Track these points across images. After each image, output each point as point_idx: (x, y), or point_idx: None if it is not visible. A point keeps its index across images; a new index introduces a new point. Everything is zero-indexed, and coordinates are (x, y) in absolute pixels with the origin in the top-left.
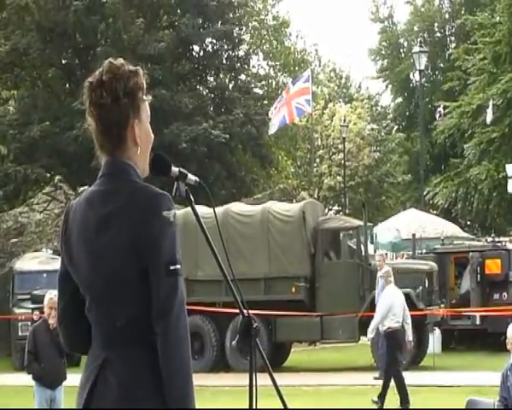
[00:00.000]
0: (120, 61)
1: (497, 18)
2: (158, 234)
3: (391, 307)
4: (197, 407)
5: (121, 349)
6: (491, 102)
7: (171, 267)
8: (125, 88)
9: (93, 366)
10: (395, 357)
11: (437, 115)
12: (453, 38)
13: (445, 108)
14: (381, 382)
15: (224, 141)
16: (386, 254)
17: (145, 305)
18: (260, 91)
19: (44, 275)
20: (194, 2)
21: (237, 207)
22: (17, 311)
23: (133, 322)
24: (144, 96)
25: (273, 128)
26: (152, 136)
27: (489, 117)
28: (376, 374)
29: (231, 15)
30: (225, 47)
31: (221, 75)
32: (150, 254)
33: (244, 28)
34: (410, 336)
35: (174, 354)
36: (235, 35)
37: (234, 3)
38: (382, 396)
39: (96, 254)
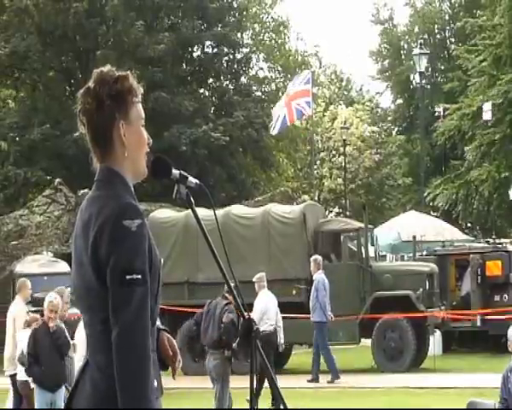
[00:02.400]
0: (109, 67)
1: (497, 19)
2: (114, 242)
3: (265, 311)
4: (198, 407)
5: (98, 355)
6: (490, 103)
7: (127, 277)
8: (110, 91)
9: (80, 367)
10: (270, 359)
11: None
12: (453, 40)
13: (444, 110)
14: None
15: (225, 144)
16: (385, 255)
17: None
18: (260, 94)
19: (45, 278)
20: (194, 5)
21: (238, 209)
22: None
23: (106, 329)
24: (135, 99)
25: (275, 130)
26: (145, 138)
27: (486, 116)
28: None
29: (231, 19)
30: (225, 50)
31: (221, 78)
32: (106, 263)
33: (244, 31)
34: (282, 338)
35: (121, 364)
36: (235, 38)
37: (234, 6)
38: (255, 397)
39: (77, 261)
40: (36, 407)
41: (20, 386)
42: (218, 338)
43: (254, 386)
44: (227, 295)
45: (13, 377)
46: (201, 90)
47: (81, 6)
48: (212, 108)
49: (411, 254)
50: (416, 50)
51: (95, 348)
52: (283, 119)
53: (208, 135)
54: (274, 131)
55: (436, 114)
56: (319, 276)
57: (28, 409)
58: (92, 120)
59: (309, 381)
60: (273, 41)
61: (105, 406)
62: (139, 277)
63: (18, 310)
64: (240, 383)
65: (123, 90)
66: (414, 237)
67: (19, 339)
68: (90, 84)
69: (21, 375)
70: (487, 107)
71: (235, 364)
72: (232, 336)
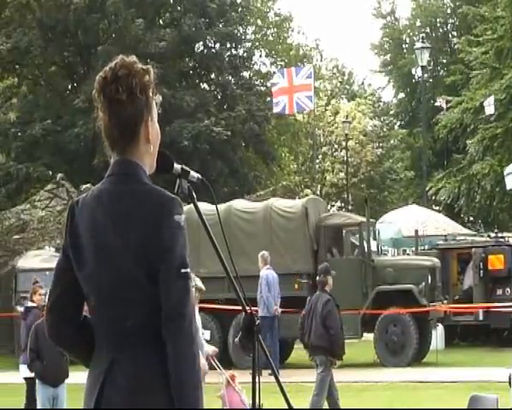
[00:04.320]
0: (133, 57)
1: (500, 12)
2: (170, 238)
3: None
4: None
5: (130, 350)
6: (492, 97)
7: (183, 270)
8: (140, 84)
9: (101, 368)
10: None
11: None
12: (455, 33)
13: (447, 102)
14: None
15: (226, 138)
16: (388, 251)
17: (154, 306)
18: (263, 88)
19: (47, 273)
20: (196, 1)
21: (240, 204)
22: (20, 309)
23: (142, 323)
24: (153, 95)
25: (275, 110)
26: (159, 134)
27: (489, 110)
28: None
29: (233, 14)
30: (227, 45)
31: (223, 73)
32: (162, 258)
33: (246, 27)
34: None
35: (185, 359)
36: (236, 34)
37: (236, 2)
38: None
39: (104, 254)
40: (38, 401)
41: None
42: (321, 344)
43: (257, 383)
44: (326, 288)
45: None
46: (203, 86)
47: (81, 2)
48: (214, 103)
49: (413, 249)
50: (418, 44)
51: (125, 344)
52: (283, 106)
53: (210, 129)
54: (274, 111)
55: (438, 104)
56: (265, 272)
57: (31, 408)
58: (121, 110)
59: (270, 374)
60: (275, 36)
61: (147, 396)
62: (189, 270)
63: None
64: (242, 379)
65: (149, 85)
66: (416, 232)
67: None
68: (118, 71)
69: None
70: (490, 101)
71: (237, 358)
72: (337, 341)
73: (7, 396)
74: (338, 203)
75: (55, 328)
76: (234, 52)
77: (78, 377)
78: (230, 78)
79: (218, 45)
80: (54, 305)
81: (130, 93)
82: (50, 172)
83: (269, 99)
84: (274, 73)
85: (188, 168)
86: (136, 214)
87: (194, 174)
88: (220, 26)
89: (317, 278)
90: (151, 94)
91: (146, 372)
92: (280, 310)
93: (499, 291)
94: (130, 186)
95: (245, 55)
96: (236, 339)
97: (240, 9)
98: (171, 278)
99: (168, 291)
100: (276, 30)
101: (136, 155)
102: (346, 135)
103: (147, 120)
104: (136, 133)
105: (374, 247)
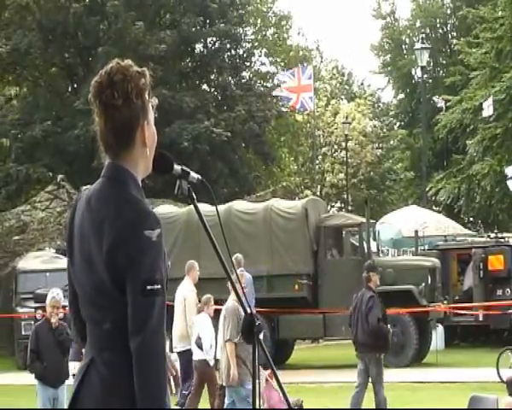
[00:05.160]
0: (128, 61)
1: (499, 12)
2: (136, 252)
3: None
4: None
5: (105, 352)
6: (491, 98)
7: (149, 287)
8: (136, 89)
9: (83, 363)
10: None
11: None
12: (455, 34)
13: (446, 102)
14: None
15: (226, 139)
16: (387, 250)
17: (125, 313)
18: (262, 89)
19: (47, 274)
20: (196, 2)
21: (240, 205)
22: (20, 310)
23: (117, 328)
24: (149, 98)
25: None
26: (156, 136)
27: (487, 112)
28: None
29: (233, 14)
30: (227, 46)
31: (223, 73)
32: (127, 271)
33: (246, 26)
34: None
35: (145, 373)
36: (236, 34)
37: (235, 2)
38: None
39: (86, 258)
40: (38, 402)
41: (196, 364)
42: (366, 341)
43: (257, 383)
44: (371, 285)
45: (184, 353)
46: (203, 87)
47: (80, 6)
48: (214, 104)
49: (413, 249)
50: (418, 45)
51: (102, 346)
52: (289, 100)
53: (210, 130)
54: (297, 107)
55: (438, 105)
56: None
57: (31, 408)
58: (116, 115)
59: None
60: (275, 36)
61: (114, 399)
62: (159, 287)
63: (187, 291)
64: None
65: (145, 88)
66: (416, 232)
67: (193, 323)
68: (113, 76)
69: (198, 354)
70: (488, 102)
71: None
72: (382, 337)
73: (8, 397)
74: (338, 204)
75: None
76: (233, 52)
77: None
78: (230, 78)
79: (217, 44)
80: (76, 314)
81: (125, 98)
82: (51, 174)
83: (268, 99)
84: (274, 73)
85: (188, 169)
86: (112, 222)
87: (194, 175)
88: (220, 25)
89: (363, 274)
90: (147, 97)
91: (118, 375)
92: (255, 311)
93: (499, 292)
94: (115, 193)
95: (245, 55)
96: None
97: (240, 10)
98: (134, 294)
99: (131, 305)
100: (275, 30)
101: (129, 161)
102: (346, 135)
103: (143, 125)
104: (131, 138)
105: (374, 247)
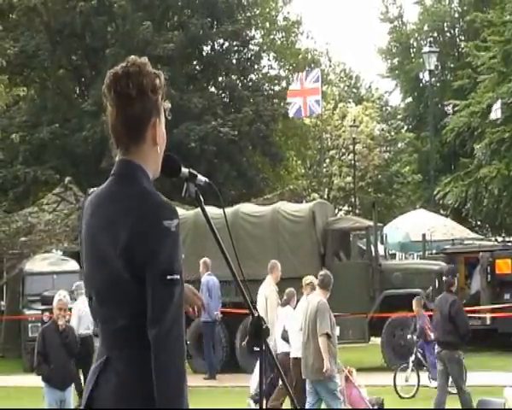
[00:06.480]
0: (145, 58)
1: (507, 16)
2: (156, 243)
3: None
4: (202, 407)
5: (122, 349)
6: (499, 101)
7: (168, 277)
8: (151, 85)
9: (97, 363)
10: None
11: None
12: (463, 37)
13: (454, 106)
14: None
15: (233, 138)
16: (395, 254)
17: (144, 307)
18: (270, 92)
19: (54, 276)
20: (203, 3)
21: (247, 207)
22: (27, 312)
23: (133, 323)
24: (162, 100)
25: (291, 113)
26: (165, 140)
27: (495, 115)
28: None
29: (241, 16)
30: (235, 47)
31: (231, 74)
32: (147, 262)
33: (254, 29)
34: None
35: (164, 364)
36: (244, 35)
37: (243, 3)
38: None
39: (97, 255)
40: (45, 404)
41: (283, 356)
42: (448, 339)
43: (264, 386)
44: (452, 289)
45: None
46: (211, 89)
47: (88, 5)
48: (222, 105)
49: (421, 253)
50: (426, 48)
51: (117, 344)
52: (298, 108)
53: (217, 131)
54: (290, 114)
55: (446, 110)
56: (206, 277)
57: (38, 409)
58: (129, 107)
59: (205, 378)
60: (283, 39)
61: (133, 395)
62: (178, 277)
63: (269, 290)
64: (244, 382)
65: (160, 87)
66: (423, 236)
67: (279, 315)
68: (129, 68)
69: (283, 347)
70: (497, 105)
71: (244, 362)
72: (465, 338)
73: (15, 399)
74: (345, 207)
75: None
76: (241, 54)
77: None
78: (237, 80)
79: (225, 46)
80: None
81: (140, 90)
82: (58, 176)
83: (276, 101)
84: (282, 76)
85: (195, 172)
86: (127, 217)
87: (201, 178)
88: (228, 26)
89: (444, 278)
90: (160, 98)
91: (137, 371)
92: (220, 315)
93: (507, 295)
94: (127, 188)
95: (253, 58)
96: (243, 343)
97: (247, 12)
98: (154, 284)
99: (151, 296)
100: (284, 34)
101: (140, 156)
102: (354, 139)
103: (155, 122)
104: (142, 133)
105: (381, 251)
